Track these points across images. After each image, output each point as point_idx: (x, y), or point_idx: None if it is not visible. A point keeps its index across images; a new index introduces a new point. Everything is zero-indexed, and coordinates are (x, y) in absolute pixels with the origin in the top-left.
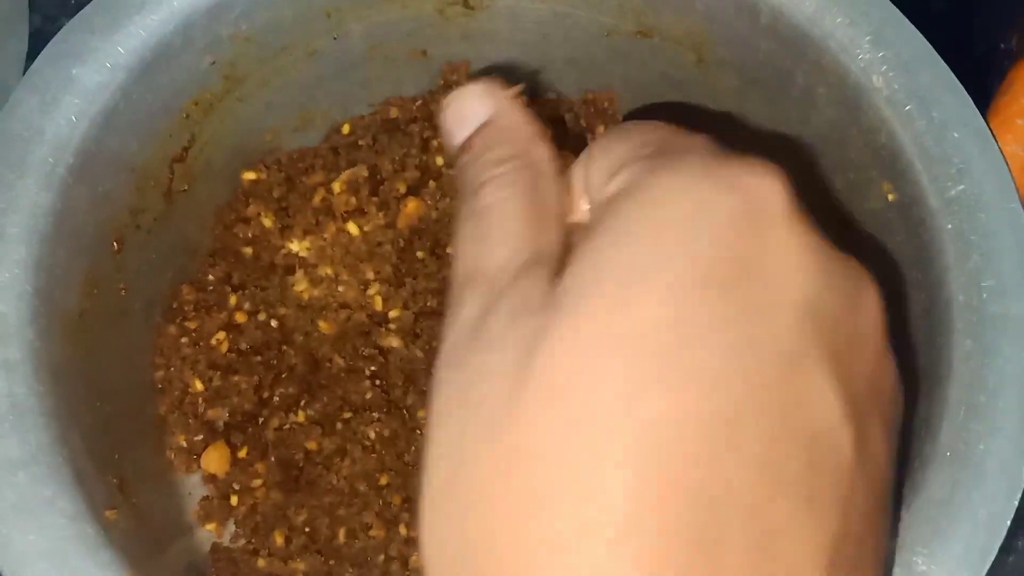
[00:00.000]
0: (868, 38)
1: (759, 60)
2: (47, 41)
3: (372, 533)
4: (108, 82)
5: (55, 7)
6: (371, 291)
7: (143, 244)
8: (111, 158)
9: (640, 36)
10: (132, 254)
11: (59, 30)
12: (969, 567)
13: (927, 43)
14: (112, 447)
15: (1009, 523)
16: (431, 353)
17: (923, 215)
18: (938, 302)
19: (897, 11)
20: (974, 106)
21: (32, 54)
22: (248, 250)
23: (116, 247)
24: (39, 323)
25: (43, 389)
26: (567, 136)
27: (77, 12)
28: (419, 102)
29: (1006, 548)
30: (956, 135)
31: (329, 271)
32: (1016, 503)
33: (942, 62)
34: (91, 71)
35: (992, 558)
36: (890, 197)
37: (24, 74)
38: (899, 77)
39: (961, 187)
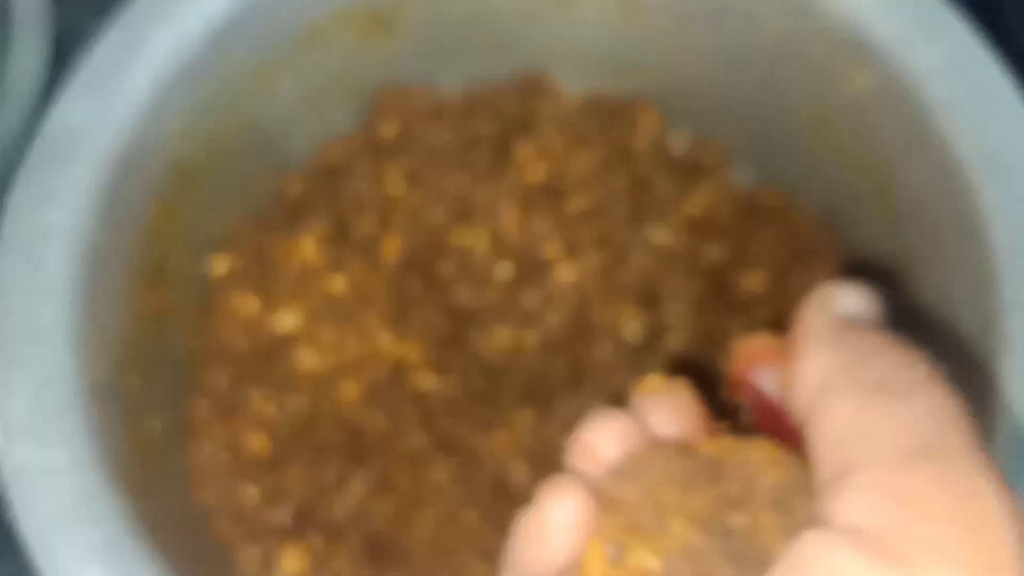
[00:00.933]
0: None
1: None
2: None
3: (480, 570)
4: (81, 220)
5: None
6: (380, 339)
7: (153, 375)
8: (104, 297)
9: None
10: (148, 386)
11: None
12: None
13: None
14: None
15: None
16: (465, 378)
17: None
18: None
19: None
20: None
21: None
22: (243, 341)
23: (135, 383)
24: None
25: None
26: (508, 124)
27: None
28: (358, 138)
29: None
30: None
31: (329, 334)
32: None
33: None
34: (62, 214)
35: None
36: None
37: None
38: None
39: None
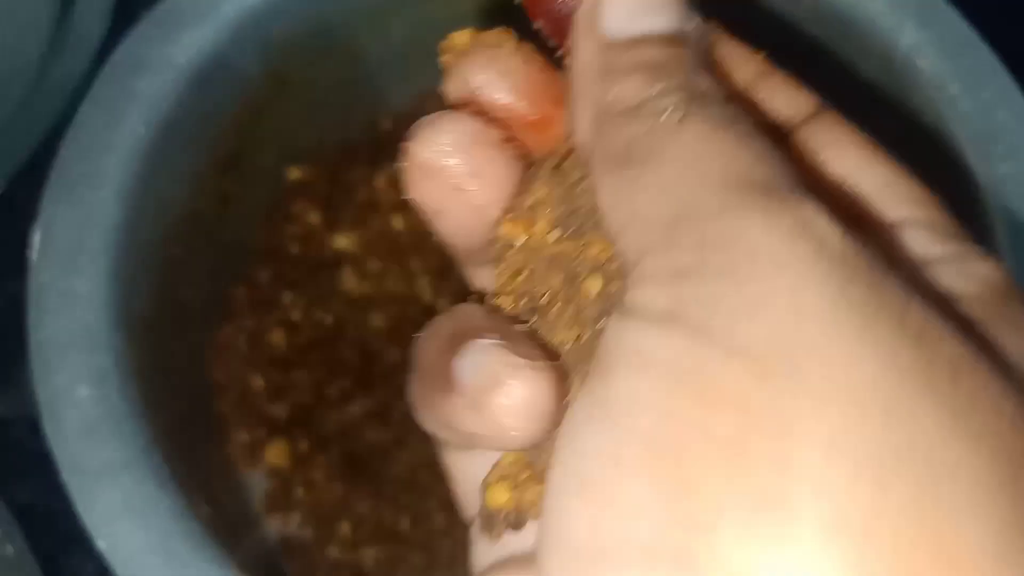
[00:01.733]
0: (911, 21)
1: (804, 45)
2: None
3: (436, 519)
4: (167, 93)
5: None
6: (421, 283)
7: (201, 248)
8: (173, 167)
9: None
10: (192, 258)
11: None
12: None
13: (968, 26)
14: (188, 446)
15: None
16: None
17: (975, 197)
18: None
19: None
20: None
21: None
22: (295, 248)
23: (178, 252)
24: (122, 331)
25: (133, 394)
26: None
27: None
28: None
29: None
30: (1002, 115)
31: (377, 265)
32: None
33: (985, 45)
34: (152, 83)
35: None
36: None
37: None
38: (943, 60)
39: (1008, 165)
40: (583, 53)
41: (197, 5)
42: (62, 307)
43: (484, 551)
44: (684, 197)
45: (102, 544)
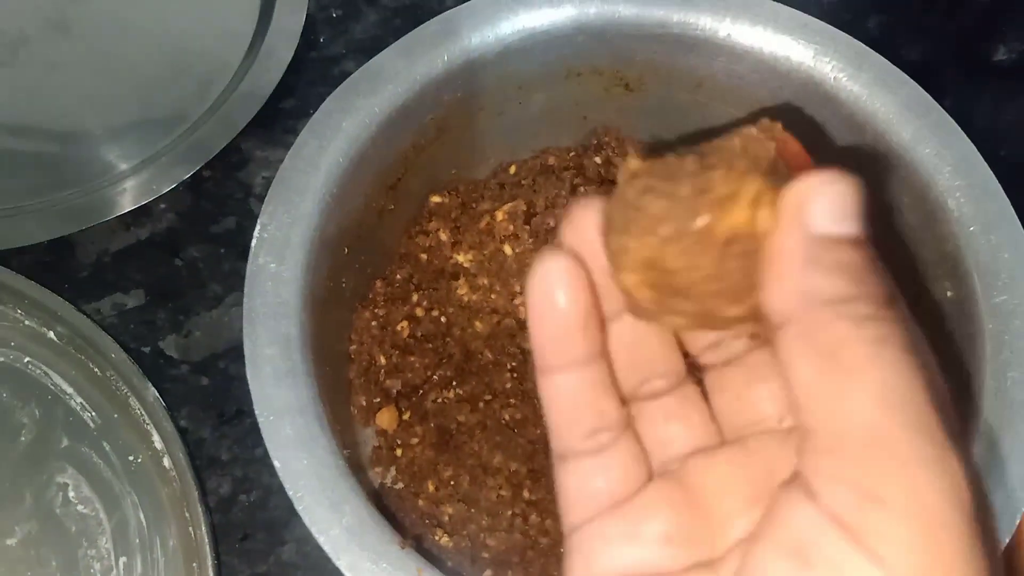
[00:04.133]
0: (949, 168)
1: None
2: (318, 24)
3: (502, 492)
4: (364, 132)
5: None
6: (517, 301)
7: (360, 248)
8: (357, 187)
9: None
10: (353, 256)
11: (329, 17)
12: None
13: (996, 180)
14: (332, 401)
15: None
16: None
17: (972, 313)
18: (972, 385)
19: (975, 149)
20: None
21: (304, 34)
22: (424, 256)
23: (346, 251)
24: (306, 307)
25: (306, 356)
26: None
27: (346, 3)
28: (573, 153)
29: None
30: (1007, 256)
31: (486, 281)
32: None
33: (1006, 197)
34: (355, 123)
35: None
36: (948, 294)
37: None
38: (969, 204)
39: (1004, 297)
40: (790, 238)
41: (396, 66)
42: (269, 285)
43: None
44: (881, 426)
45: (276, 463)
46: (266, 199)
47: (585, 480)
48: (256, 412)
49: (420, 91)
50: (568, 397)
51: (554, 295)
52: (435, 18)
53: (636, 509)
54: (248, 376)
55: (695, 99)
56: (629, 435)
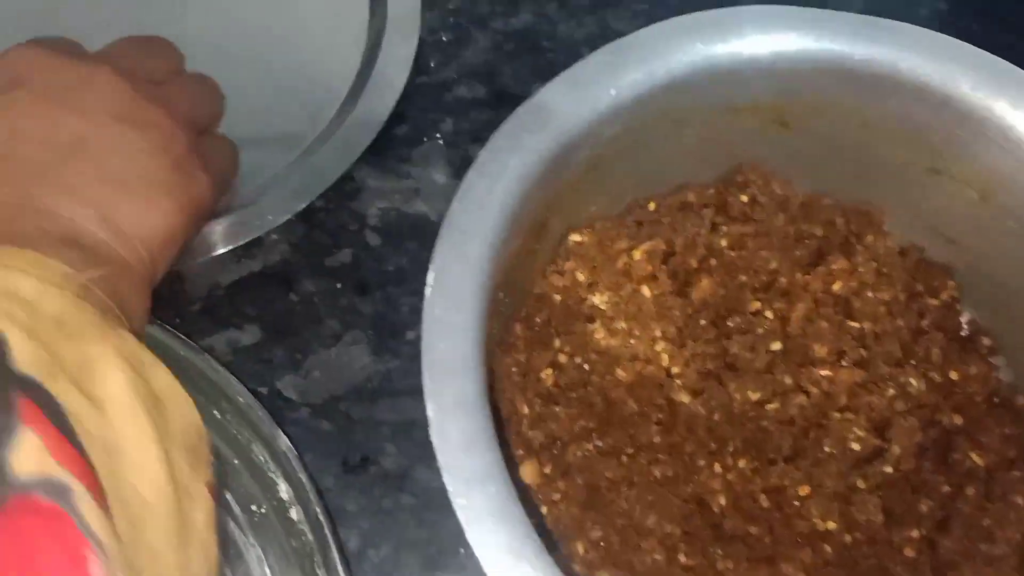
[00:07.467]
0: None
1: None
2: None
3: (655, 556)
4: (532, 170)
5: (438, 21)
6: (659, 347)
7: (507, 290)
8: (519, 229)
9: (931, 172)
10: (504, 299)
11: (439, 41)
12: None
13: None
14: None
15: None
16: (709, 409)
17: None
18: None
19: None
20: None
21: (416, 59)
22: (559, 298)
23: (502, 296)
24: (482, 358)
25: (487, 414)
26: (834, 236)
27: (456, 27)
28: (712, 190)
29: None
30: None
31: (623, 325)
32: None
33: None
34: (522, 162)
35: None
36: None
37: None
38: None
39: None
40: None
41: (563, 101)
42: (447, 336)
43: None
44: None
45: (471, 539)
46: (436, 243)
47: None
48: (444, 479)
49: (587, 128)
50: None
51: None
52: (603, 48)
53: None
54: (433, 440)
55: (858, 139)
56: None
